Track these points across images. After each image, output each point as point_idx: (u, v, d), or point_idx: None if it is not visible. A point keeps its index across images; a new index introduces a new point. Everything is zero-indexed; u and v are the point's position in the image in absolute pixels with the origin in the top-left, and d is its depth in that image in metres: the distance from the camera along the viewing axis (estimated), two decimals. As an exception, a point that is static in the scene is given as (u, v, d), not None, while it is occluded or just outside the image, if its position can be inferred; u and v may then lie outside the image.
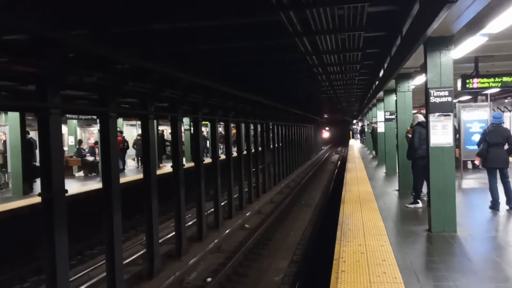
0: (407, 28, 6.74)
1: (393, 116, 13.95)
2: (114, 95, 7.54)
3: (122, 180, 9.36)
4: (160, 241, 9.86)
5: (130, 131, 23.34)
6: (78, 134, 21.62)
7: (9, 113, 13.22)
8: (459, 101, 16.71)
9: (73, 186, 13.06)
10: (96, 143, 18.51)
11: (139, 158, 19.52)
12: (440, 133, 6.55)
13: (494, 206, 8.06)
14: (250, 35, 7.63)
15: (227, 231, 12.29)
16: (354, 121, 58.37)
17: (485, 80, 9.74)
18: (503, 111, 21.62)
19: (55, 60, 5.81)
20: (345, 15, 5.91)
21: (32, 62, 5.67)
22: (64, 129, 19.92)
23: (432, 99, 6.53)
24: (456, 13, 4.92)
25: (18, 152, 12.87)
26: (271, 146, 21.53)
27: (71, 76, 6.32)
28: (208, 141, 21.09)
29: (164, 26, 6.89)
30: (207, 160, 13.75)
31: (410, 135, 9.37)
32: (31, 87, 7.56)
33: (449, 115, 6.54)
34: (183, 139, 18.64)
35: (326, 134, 67.46)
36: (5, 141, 14.22)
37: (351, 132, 60.21)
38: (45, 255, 6.20)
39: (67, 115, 18.34)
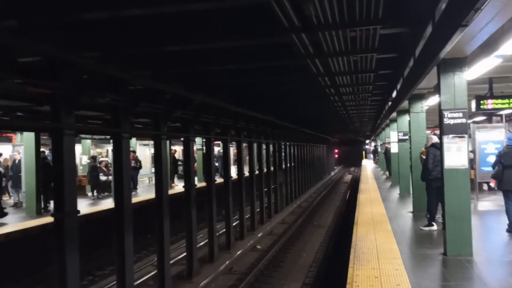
0: (420, 50, 6.71)
1: (407, 137, 13.85)
2: (126, 116, 7.58)
3: (134, 200, 9.37)
4: (171, 262, 9.79)
5: (143, 151, 23.41)
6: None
7: (24, 132, 13.38)
8: (474, 122, 16.55)
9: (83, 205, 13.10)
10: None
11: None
12: (455, 155, 6.45)
13: (511, 229, 7.89)
14: (262, 56, 7.65)
15: (238, 252, 12.17)
16: (367, 141, 58.11)
17: (499, 101, 9.63)
18: (518, 132, 21.31)
19: (68, 82, 5.87)
20: (358, 37, 5.91)
21: (46, 83, 5.73)
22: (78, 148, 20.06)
23: (446, 121, 6.46)
24: (469, 35, 4.89)
25: (32, 172, 12.97)
26: (283, 166, 21.45)
27: (84, 97, 6.38)
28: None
29: (176, 48, 6.95)
30: (219, 180, 13.71)
31: (424, 156, 9.27)
32: (46, 107, 7.68)
33: (463, 137, 6.46)
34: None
35: (338, 154, 67.21)
36: (19, 160, 14.34)
37: (364, 152, 59.95)
38: (56, 275, 6.17)
39: (81, 135, 18.47)
